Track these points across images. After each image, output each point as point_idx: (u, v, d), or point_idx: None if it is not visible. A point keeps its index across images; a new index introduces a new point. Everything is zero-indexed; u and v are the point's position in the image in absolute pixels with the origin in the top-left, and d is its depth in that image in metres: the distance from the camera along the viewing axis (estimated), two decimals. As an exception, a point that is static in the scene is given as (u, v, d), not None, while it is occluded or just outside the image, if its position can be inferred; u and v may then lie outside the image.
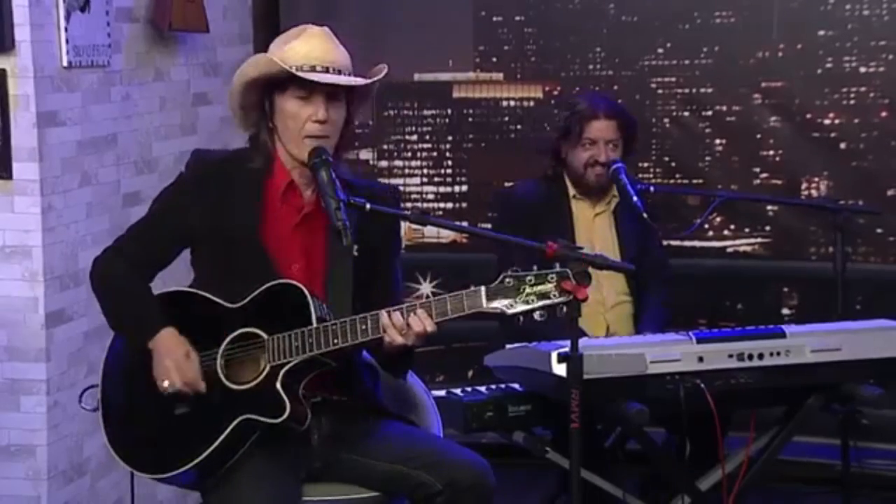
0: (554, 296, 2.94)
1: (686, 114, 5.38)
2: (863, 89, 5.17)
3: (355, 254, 3.03)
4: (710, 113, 5.36)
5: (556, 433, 3.66)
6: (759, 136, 5.32)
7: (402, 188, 5.48)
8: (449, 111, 5.57)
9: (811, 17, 5.19)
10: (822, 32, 5.19)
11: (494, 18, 5.51)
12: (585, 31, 5.42)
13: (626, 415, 3.35)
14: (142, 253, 3.25)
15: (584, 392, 2.99)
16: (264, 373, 3.08)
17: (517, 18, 5.49)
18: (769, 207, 5.34)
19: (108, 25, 4.20)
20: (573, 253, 2.96)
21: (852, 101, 5.19)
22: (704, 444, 3.57)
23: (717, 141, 5.38)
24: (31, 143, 3.87)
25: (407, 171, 5.59)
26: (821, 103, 5.23)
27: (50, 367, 3.96)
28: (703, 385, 3.41)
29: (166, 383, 3.09)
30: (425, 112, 5.58)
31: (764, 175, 5.34)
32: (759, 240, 5.39)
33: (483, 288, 2.98)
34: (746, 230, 5.39)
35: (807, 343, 3.51)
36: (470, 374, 5.31)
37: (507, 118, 5.54)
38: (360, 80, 3.20)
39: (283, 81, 3.15)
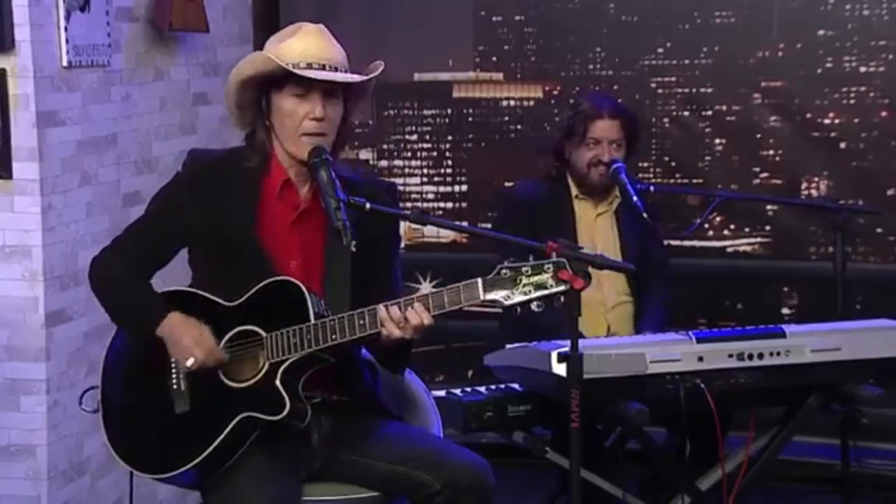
0: (551, 286, 2.93)
1: (686, 114, 5.38)
2: (863, 89, 5.17)
3: (353, 249, 3.03)
4: (710, 113, 5.36)
5: (555, 433, 3.65)
6: (759, 135, 5.32)
7: (402, 188, 5.48)
8: (449, 111, 5.57)
9: (811, 16, 5.19)
10: (822, 32, 5.19)
11: (494, 18, 5.51)
12: (585, 31, 5.42)
13: (626, 415, 3.35)
14: (140, 252, 3.25)
15: (584, 392, 2.99)
16: (263, 370, 3.08)
17: (517, 18, 5.49)
18: (769, 207, 5.34)
19: (108, 25, 4.20)
20: (573, 252, 2.96)
21: (852, 101, 5.19)
22: (704, 444, 3.57)
23: (717, 141, 5.38)
24: (31, 142, 3.87)
25: (407, 170, 5.59)
26: (821, 103, 5.23)
27: (50, 367, 3.96)
28: (703, 385, 3.41)
29: (190, 361, 3.08)
30: (425, 112, 5.58)
31: (764, 175, 5.34)
32: (759, 239, 5.39)
33: (480, 280, 2.98)
34: (746, 230, 5.39)
35: (807, 343, 3.51)
36: (470, 374, 5.31)
37: (507, 118, 5.54)
38: (356, 77, 3.20)
39: (280, 79, 3.15)
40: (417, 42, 5.49)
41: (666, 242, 4.71)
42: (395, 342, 3.05)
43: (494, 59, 5.54)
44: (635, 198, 4.21)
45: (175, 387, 3.16)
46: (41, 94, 3.87)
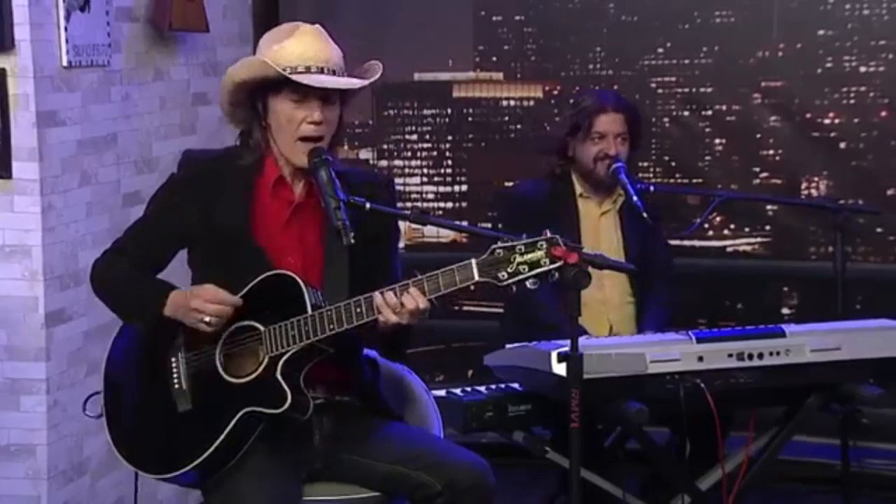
0: (545, 263, 2.93)
1: (686, 113, 5.38)
2: (863, 89, 5.18)
3: (352, 241, 3.03)
4: (709, 112, 5.36)
5: (555, 433, 3.65)
6: (759, 135, 5.32)
7: (401, 188, 5.49)
8: (449, 111, 5.57)
9: (811, 16, 5.19)
10: (822, 32, 5.19)
11: (494, 18, 5.51)
12: (585, 30, 5.42)
13: (625, 414, 3.35)
14: (141, 253, 3.26)
15: (584, 392, 2.99)
16: (263, 364, 3.09)
17: (517, 18, 5.49)
18: (769, 207, 5.34)
19: (107, 25, 4.20)
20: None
21: (852, 101, 5.19)
22: (704, 444, 3.57)
23: (717, 141, 5.38)
24: (30, 142, 3.87)
25: (407, 170, 5.59)
26: (821, 103, 5.23)
27: (50, 367, 3.96)
28: (702, 385, 3.41)
29: (207, 318, 3.07)
30: (425, 112, 5.58)
31: (764, 175, 5.34)
32: (758, 239, 5.39)
33: (473, 260, 2.97)
34: (746, 230, 5.39)
35: (806, 343, 3.51)
36: (470, 373, 5.31)
37: (507, 118, 5.54)
38: (356, 83, 3.20)
39: (277, 83, 3.14)
40: (417, 42, 5.49)
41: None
42: (393, 328, 3.05)
43: (494, 58, 5.54)
44: (635, 197, 4.22)
45: (177, 386, 3.16)
46: (41, 93, 3.87)
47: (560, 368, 3.27)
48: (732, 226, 5.39)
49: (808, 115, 5.25)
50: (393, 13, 5.48)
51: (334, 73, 3.16)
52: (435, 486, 3.13)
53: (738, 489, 3.60)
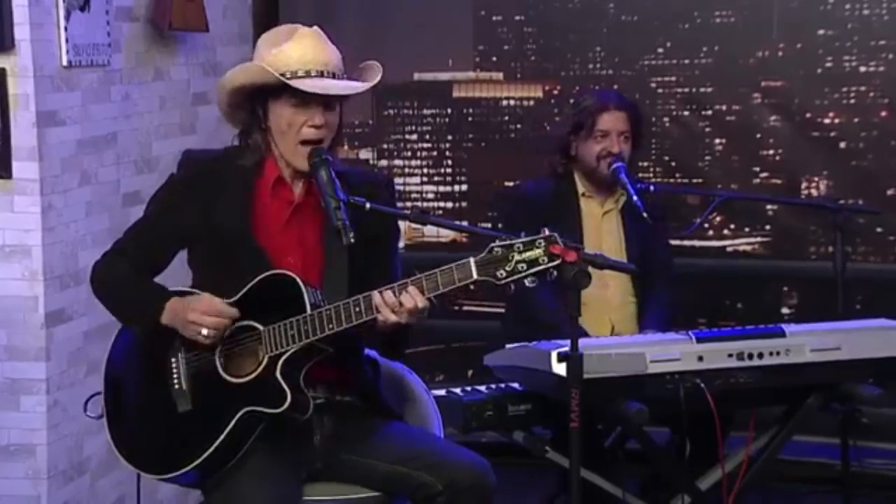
0: (543, 261, 2.92)
1: (686, 113, 5.38)
2: (863, 89, 5.18)
3: (352, 241, 3.03)
4: (709, 112, 5.36)
5: (555, 433, 3.65)
6: (758, 135, 5.32)
7: (401, 188, 5.48)
8: (449, 111, 5.57)
9: (811, 16, 5.19)
10: (821, 32, 5.19)
11: (494, 18, 5.51)
12: (585, 30, 5.42)
13: (625, 414, 3.35)
14: (142, 254, 3.26)
15: (583, 391, 2.99)
16: (263, 364, 3.09)
17: (517, 18, 5.49)
18: (769, 207, 5.34)
19: (107, 25, 4.20)
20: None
21: (852, 101, 5.19)
22: (704, 444, 3.57)
23: (717, 140, 5.38)
24: (30, 142, 3.87)
25: (407, 170, 5.60)
26: (821, 103, 5.23)
27: (50, 367, 3.96)
28: (702, 384, 3.41)
29: (204, 331, 3.07)
30: (425, 111, 5.58)
31: (764, 174, 5.34)
32: (758, 239, 5.39)
33: (472, 259, 2.97)
34: (746, 229, 5.39)
35: (806, 342, 3.51)
36: (470, 373, 5.30)
37: (506, 118, 5.54)
38: (358, 87, 3.20)
39: (277, 88, 3.14)
40: (417, 42, 5.49)
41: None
42: (392, 327, 3.05)
43: (494, 58, 5.54)
44: (635, 197, 4.22)
45: (176, 386, 3.16)
46: (41, 93, 3.87)
47: (560, 368, 3.27)
48: (732, 226, 5.39)
49: (808, 115, 5.25)
50: (393, 13, 5.48)
51: (334, 75, 3.16)
52: (435, 485, 3.13)
53: (738, 489, 3.60)
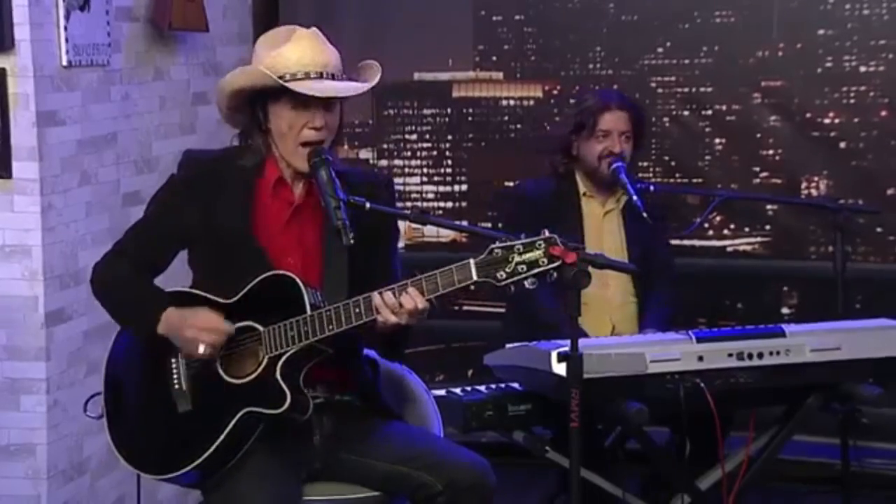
0: (543, 262, 2.92)
1: (686, 113, 5.38)
2: (863, 89, 5.18)
3: (351, 241, 3.03)
4: (709, 112, 5.36)
5: (555, 432, 3.65)
6: (758, 135, 5.32)
7: (401, 188, 5.48)
8: (449, 110, 5.57)
9: (811, 16, 5.19)
10: (821, 32, 5.19)
11: (494, 18, 5.51)
12: (585, 30, 5.42)
13: (625, 414, 3.35)
14: (142, 254, 3.25)
15: (583, 391, 2.99)
16: (263, 365, 3.09)
17: (517, 18, 5.49)
18: (769, 207, 5.34)
19: (107, 24, 4.20)
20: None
21: (852, 101, 5.19)
22: (704, 444, 3.57)
23: (717, 140, 5.38)
24: (30, 142, 3.87)
25: (407, 170, 5.60)
26: (821, 103, 5.23)
27: (50, 367, 3.96)
28: (702, 384, 3.41)
29: (201, 348, 3.07)
30: (425, 111, 5.59)
31: (764, 174, 5.34)
32: (758, 239, 5.39)
33: (472, 260, 2.97)
34: (746, 229, 5.39)
35: (806, 342, 3.51)
36: (470, 373, 5.31)
37: (506, 117, 5.54)
38: (357, 87, 3.19)
39: (277, 91, 3.14)
40: (417, 42, 5.49)
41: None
42: (392, 328, 3.05)
43: (494, 58, 5.54)
44: (635, 197, 4.22)
45: (177, 386, 3.16)
46: (41, 93, 3.87)
47: (560, 368, 3.27)
48: (732, 225, 5.39)
49: (808, 115, 5.25)
50: (393, 13, 5.48)
51: (333, 76, 3.16)
52: (435, 485, 3.13)
53: (738, 489, 3.60)
